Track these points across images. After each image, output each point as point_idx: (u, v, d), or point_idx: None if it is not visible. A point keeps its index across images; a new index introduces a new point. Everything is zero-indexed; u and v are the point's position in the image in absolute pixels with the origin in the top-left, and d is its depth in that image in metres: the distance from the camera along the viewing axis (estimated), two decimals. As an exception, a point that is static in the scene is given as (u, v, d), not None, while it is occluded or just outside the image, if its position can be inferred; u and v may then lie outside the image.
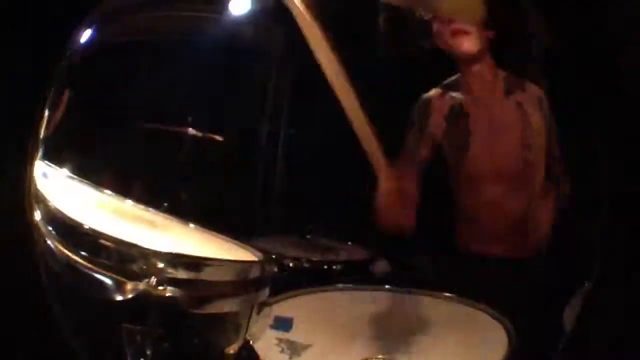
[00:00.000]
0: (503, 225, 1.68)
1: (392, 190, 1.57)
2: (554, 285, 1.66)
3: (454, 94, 1.65)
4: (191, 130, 1.65)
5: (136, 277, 1.37)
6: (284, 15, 1.64)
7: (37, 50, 1.73)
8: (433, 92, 1.66)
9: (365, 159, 1.57)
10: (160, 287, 1.37)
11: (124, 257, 1.38)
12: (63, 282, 1.48)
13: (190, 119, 1.65)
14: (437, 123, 1.64)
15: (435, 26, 1.61)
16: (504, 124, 1.65)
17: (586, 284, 1.66)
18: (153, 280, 1.37)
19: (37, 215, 1.51)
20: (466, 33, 1.58)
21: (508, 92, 1.64)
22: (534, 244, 1.66)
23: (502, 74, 1.64)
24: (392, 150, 1.56)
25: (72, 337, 1.55)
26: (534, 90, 1.64)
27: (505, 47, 1.61)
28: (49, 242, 1.47)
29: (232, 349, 1.54)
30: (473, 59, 1.60)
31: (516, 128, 1.64)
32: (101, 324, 1.49)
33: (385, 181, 1.56)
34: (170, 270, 1.39)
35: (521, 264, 1.70)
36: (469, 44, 1.60)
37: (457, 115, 1.64)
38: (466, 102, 1.64)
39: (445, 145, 1.65)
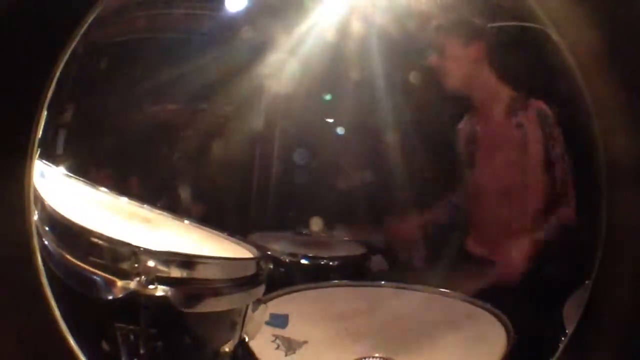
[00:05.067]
0: (505, 240, 1.71)
1: None
2: (554, 283, 1.64)
3: (473, 118, 1.76)
4: (189, 128, 1.66)
5: (127, 275, 1.38)
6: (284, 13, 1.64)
7: (36, 50, 1.74)
8: (464, 119, 1.78)
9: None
10: (151, 286, 1.38)
11: (116, 256, 1.38)
12: (61, 280, 1.50)
13: (187, 115, 1.67)
14: (462, 144, 1.71)
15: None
16: (503, 144, 1.71)
17: (586, 282, 1.64)
18: (143, 279, 1.38)
19: (35, 215, 1.53)
20: (444, 75, 1.64)
21: (510, 112, 1.69)
22: (533, 257, 1.68)
23: (510, 94, 1.69)
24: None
25: (71, 336, 1.57)
26: (535, 107, 1.68)
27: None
28: (45, 241, 1.50)
29: (227, 347, 1.54)
30: (465, 90, 1.66)
31: (514, 149, 1.69)
32: (97, 322, 1.50)
33: None
34: (162, 268, 1.40)
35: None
36: (450, 83, 1.70)
37: (471, 135, 1.69)
38: (476, 124, 1.71)
39: (462, 160, 1.71)
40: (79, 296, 1.48)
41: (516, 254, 1.69)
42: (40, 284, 1.54)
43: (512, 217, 1.70)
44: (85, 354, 1.58)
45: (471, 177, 1.71)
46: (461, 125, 1.74)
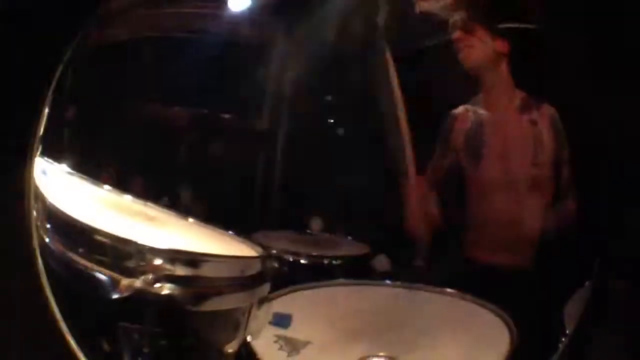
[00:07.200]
0: (509, 236, 1.71)
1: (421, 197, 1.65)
2: (555, 282, 1.65)
3: (476, 109, 1.70)
4: (191, 126, 1.65)
5: (133, 274, 1.37)
6: (286, 11, 1.64)
7: (37, 48, 1.73)
8: (460, 108, 1.71)
9: (364, 156, 1.59)
10: (157, 285, 1.37)
11: (120, 254, 1.38)
12: (61, 279, 1.49)
13: (190, 115, 1.65)
14: (458, 135, 1.69)
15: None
16: (517, 139, 1.71)
17: (587, 283, 1.66)
18: (150, 277, 1.37)
19: (35, 212, 1.51)
20: (468, 46, 1.63)
21: (523, 109, 1.69)
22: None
23: (520, 93, 1.70)
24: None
25: (71, 336, 1.56)
26: (548, 110, 1.69)
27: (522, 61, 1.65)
28: (47, 239, 1.48)
29: (231, 347, 1.54)
30: (480, 71, 1.65)
31: (528, 145, 1.69)
32: (99, 321, 1.49)
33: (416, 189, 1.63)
34: (167, 266, 1.39)
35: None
36: (471, 57, 1.64)
37: (476, 127, 1.69)
38: (484, 115, 1.69)
39: (462, 154, 1.70)
40: (79, 296, 1.47)
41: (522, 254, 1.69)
42: (40, 284, 1.54)
43: (520, 216, 1.70)
44: (85, 354, 1.57)
45: (477, 172, 1.70)
46: (460, 109, 1.72)
